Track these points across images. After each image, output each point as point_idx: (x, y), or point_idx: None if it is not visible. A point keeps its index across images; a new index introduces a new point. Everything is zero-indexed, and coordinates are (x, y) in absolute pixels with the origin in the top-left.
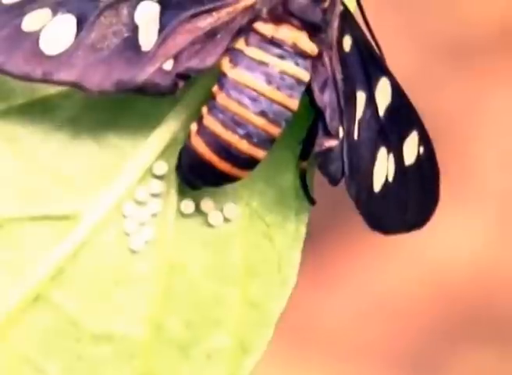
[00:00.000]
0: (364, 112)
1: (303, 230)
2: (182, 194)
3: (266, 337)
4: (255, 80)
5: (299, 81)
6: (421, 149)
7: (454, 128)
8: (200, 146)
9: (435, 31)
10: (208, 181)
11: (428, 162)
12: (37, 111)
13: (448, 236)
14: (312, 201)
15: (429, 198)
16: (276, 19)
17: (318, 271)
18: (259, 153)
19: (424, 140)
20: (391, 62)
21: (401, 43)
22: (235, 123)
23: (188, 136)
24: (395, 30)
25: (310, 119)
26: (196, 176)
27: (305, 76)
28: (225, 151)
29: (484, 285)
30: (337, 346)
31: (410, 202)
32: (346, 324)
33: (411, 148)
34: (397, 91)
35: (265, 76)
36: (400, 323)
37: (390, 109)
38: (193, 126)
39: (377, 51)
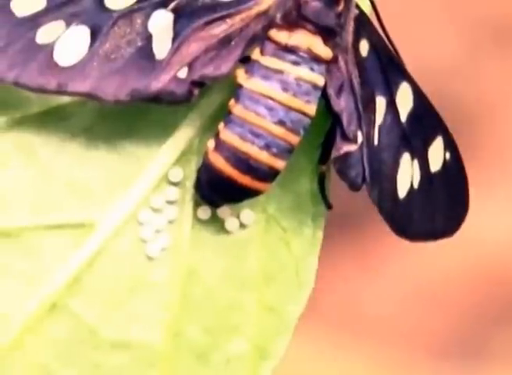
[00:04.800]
0: (385, 118)
1: (320, 234)
2: (198, 200)
3: (284, 341)
4: (271, 89)
5: (315, 86)
6: (448, 155)
7: (497, 113)
8: (218, 162)
9: (480, 16)
10: (228, 197)
11: (455, 169)
12: (51, 120)
13: (491, 218)
14: (329, 206)
15: (458, 205)
16: (290, 24)
17: (361, 257)
18: (279, 163)
19: (450, 145)
20: (436, 50)
21: (446, 30)
22: (253, 134)
23: (205, 153)
24: (439, 17)
25: (326, 124)
26: (216, 193)
27: (321, 81)
28: (244, 164)
29: None
30: (381, 332)
31: (437, 209)
32: (391, 310)
33: (437, 154)
34: (419, 96)
35: (281, 84)
36: (444, 307)
37: (412, 115)
38: (210, 143)
39: (396, 56)
